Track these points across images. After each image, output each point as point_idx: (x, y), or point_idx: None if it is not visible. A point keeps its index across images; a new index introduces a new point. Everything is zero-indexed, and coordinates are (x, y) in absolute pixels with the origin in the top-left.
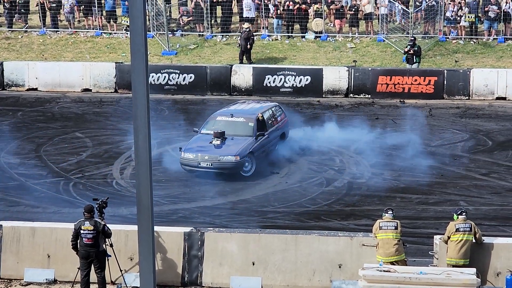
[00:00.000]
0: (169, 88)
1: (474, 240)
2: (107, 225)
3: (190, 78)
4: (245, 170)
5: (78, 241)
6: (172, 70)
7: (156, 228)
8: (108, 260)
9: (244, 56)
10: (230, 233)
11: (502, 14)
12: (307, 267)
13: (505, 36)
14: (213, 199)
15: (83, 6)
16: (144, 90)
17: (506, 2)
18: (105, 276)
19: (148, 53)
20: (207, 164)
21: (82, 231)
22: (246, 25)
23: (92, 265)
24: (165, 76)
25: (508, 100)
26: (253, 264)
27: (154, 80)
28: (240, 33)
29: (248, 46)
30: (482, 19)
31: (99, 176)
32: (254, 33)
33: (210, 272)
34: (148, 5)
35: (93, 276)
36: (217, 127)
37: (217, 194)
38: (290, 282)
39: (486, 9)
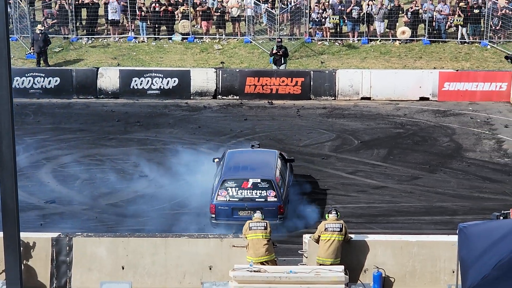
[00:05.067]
0: (34, 92)
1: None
2: None
3: (56, 81)
4: None
5: None
6: (37, 74)
7: (22, 234)
8: None
9: (41, 59)
10: (98, 238)
11: (365, 16)
12: (177, 270)
13: (368, 38)
14: (82, 204)
15: None
16: (8, 95)
17: (368, 4)
18: None
19: (12, 56)
20: None
21: None
22: (38, 26)
23: None
24: (29, 80)
25: (373, 100)
26: (123, 268)
27: (18, 84)
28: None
29: (42, 49)
30: (345, 21)
31: None
32: (120, 35)
33: (79, 277)
34: (11, 8)
35: None
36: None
37: (86, 198)
38: (160, 285)
39: (348, 10)
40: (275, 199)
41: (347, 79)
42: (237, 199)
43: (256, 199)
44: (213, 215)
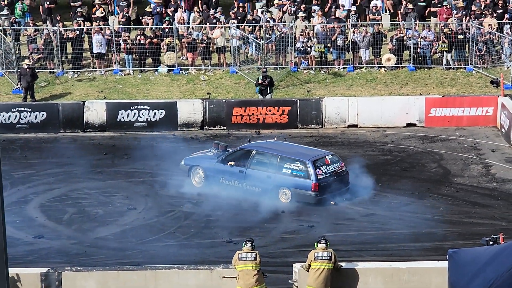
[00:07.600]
0: (20, 127)
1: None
2: None
3: (42, 116)
4: None
5: None
6: (23, 109)
7: (11, 270)
8: None
9: (28, 94)
10: (88, 272)
11: (350, 43)
12: None
13: (354, 65)
14: (70, 238)
15: None
16: None
17: (354, 32)
18: None
19: None
20: None
21: None
22: (26, 61)
23: None
24: (16, 115)
25: (360, 127)
26: None
27: (4, 119)
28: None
29: (30, 83)
30: (330, 49)
31: None
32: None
33: None
34: None
35: None
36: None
37: (75, 232)
38: None
39: (333, 38)
40: (346, 168)
41: (334, 107)
42: (330, 174)
43: (338, 171)
44: (317, 192)
